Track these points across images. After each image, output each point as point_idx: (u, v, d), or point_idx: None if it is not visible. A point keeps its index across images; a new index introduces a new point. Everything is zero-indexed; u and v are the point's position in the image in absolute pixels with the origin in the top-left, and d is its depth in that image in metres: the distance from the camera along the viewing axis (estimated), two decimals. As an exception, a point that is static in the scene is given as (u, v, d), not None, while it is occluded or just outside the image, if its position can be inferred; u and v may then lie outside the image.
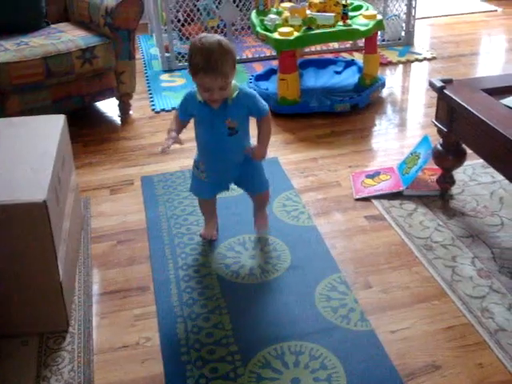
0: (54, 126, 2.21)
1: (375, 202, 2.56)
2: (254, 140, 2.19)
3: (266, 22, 3.34)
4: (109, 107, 3.64)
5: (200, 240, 2.38)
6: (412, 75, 4.02)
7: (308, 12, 3.25)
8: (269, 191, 2.34)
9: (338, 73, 3.78)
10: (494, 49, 4.46)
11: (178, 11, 4.29)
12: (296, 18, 3.20)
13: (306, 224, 2.45)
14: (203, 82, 1.92)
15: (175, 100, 3.63)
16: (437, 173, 2.58)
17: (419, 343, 1.86)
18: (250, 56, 4.23)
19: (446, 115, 2.32)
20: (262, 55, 4.19)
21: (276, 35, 3.20)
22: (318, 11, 3.26)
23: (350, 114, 3.35)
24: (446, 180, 2.52)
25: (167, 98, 3.71)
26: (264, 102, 2.12)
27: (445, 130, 2.34)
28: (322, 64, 3.87)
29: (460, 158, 2.43)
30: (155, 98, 3.74)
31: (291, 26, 3.23)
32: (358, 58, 4.00)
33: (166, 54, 4.10)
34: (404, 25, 4.32)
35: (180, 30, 4.36)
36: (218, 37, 1.94)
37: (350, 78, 3.68)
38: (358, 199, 2.59)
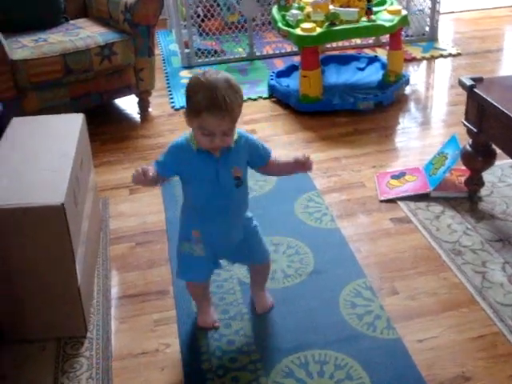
0: (72, 125, 2.17)
1: (401, 203, 2.48)
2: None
3: (287, 18, 3.26)
4: (128, 105, 3.59)
5: (220, 242, 2.32)
6: (437, 72, 3.92)
7: (331, 7, 3.17)
8: (270, 263, 2.00)
9: (361, 69, 3.70)
10: (520, 44, 4.35)
11: (197, 6, 4.23)
12: (318, 13, 3.12)
13: (330, 226, 2.39)
14: (206, 123, 1.55)
15: (195, 97, 3.57)
16: (465, 174, 2.49)
17: (448, 353, 1.79)
18: (270, 52, 4.16)
19: (475, 115, 2.24)
20: (283, 51, 4.12)
21: (298, 31, 3.13)
22: (342, 6, 3.18)
23: (373, 112, 3.27)
24: (475, 182, 2.43)
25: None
26: (265, 145, 1.78)
27: (475, 130, 2.26)
28: (344, 60, 3.79)
29: (490, 159, 2.35)
30: (174, 95, 3.69)
31: (314, 21, 3.15)
32: (381, 53, 3.91)
33: (186, 50, 4.05)
34: (428, 20, 4.21)
35: (200, 26, 4.31)
36: (224, 73, 1.61)
37: (373, 74, 3.59)
38: (383, 201, 2.52)
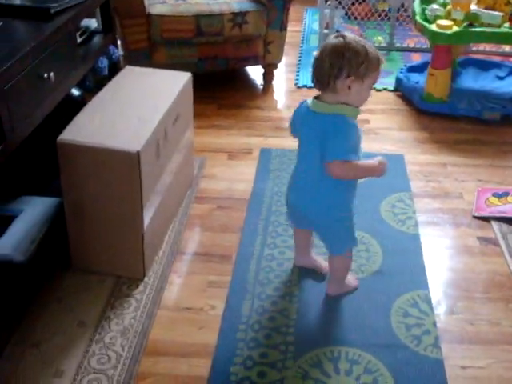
0: (177, 82, 2.26)
1: (494, 224, 2.32)
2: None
3: (427, 12, 3.12)
4: (254, 75, 3.65)
5: (295, 223, 2.32)
6: None
7: (473, 7, 2.98)
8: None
9: (501, 78, 3.45)
10: None
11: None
12: (458, 11, 2.95)
13: (411, 231, 2.29)
14: (377, 77, 1.68)
15: (320, 78, 3.54)
16: None
17: (489, 387, 1.68)
18: (411, 45, 4.00)
19: None
20: (424, 46, 3.94)
21: (433, 27, 2.98)
22: (486, 8, 2.98)
23: (500, 125, 3.05)
24: None
25: (313, 74, 3.64)
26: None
27: None
28: (484, 66, 3.55)
29: None
30: (301, 72, 3.69)
31: (453, 19, 2.99)
32: (530, 65, 3.62)
33: (325, 31, 4.02)
34: None
35: (349, 9, 4.25)
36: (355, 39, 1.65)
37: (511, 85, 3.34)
38: (476, 217, 2.36)
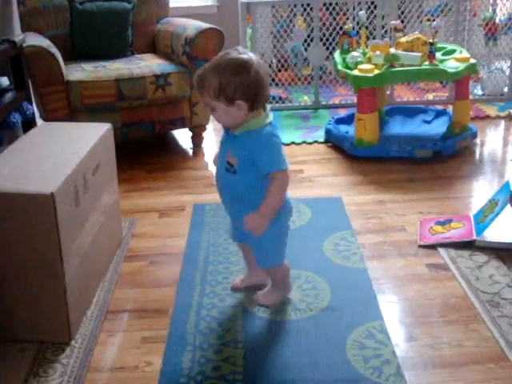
0: (95, 131, 2.14)
1: (441, 250, 2.23)
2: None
3: (347, 60, 3.16)
4: (183, 138, 3.58)
5: (236, 270, 2.17)
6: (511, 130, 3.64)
7: (392, 50, 3.05)
8: (278, 270, 1.91)
9: (428, 122, 3.50)
10: None
11: (272, 60, 4.22)
12: (378, 55, 3.00)
13: (357, 266, 2.17)
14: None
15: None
16: (519, 224, 2.22)
17: (464, 411, 1.52)
18: (336, 102, 4.05)
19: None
20: (349, 101, 4.00)
21: (355, 72, 3.02)
22: (405, 51, 3.05)
23: (432, 162, 3.04)
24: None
25: (243, 135, 3.60)
26: (281, 159, 1.69)
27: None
28: (410, 112, 3.61)
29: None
30: (231, 134, 3.64)
31: (374, 64, 3.03)
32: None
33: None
34: (507, 80, 3.97)
35: (275, 76, 4.28)
36: (235, 54, 1.63)
37: (439, 127, 3.39)
38: (422, 246, 2.27)
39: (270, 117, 1.71)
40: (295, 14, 3.93)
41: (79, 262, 1.86)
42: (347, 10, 3.96)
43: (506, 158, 3.22)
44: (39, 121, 2.94)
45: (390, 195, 2.73)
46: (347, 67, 3.16)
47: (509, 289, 1.97)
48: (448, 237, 2.28)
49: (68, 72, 3.03)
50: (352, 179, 2.93)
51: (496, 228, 2.25)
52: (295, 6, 3.91)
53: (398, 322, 1.86)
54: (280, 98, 4.06)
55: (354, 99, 3.92)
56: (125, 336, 1.85)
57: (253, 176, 1.71)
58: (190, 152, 3.44)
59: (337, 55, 3.35)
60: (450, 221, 2.39)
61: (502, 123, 3.67)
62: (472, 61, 3.10)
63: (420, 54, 3.00)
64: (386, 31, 3.84)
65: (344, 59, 3.24)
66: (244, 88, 1.61)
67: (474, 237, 2.23)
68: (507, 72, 3.96)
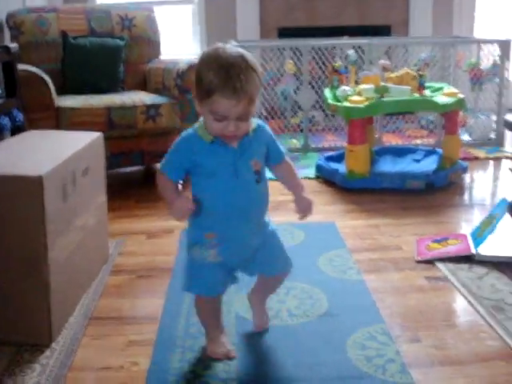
0: (85, 137, 2.09)
1: (439, 264, 2.16)
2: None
3: (338, 94, 3.19)
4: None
5: (227, 281, 2.07)
6: (502, 168, 3.63)
7: (382, 84, 3.08)
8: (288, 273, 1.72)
9: (417, 161, 3.50)
10: None
11: (263, 106, 4.25)
12: (368, 88, 3.03)
13: (354, 278, 2.09)
14: (218, 106, 1.38)
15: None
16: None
17: (475, 407, 1.41)
18: (326, 146, 4.05)
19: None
20: (339, 145, 4.00)
21: (346, 103, 3.03)
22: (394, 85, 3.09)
23: (423, 194, 3.01)
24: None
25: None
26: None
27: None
28: (400, 152, 3.61)
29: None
30: (220, 171, 3.60)
31: (365, 98, 3.06)
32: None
33: (240, 137, 4.02)
34: (494, 125, 4.02)
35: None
36: (239, 48, 1.44)
37: (429, 165, 3.37)
38: (419, 261, 2.20)
39: None
40: (284, 58, 3.99)
41: (64, 259, 1.77)
42: (334, 56, 4.03)
43: (497, 191, 3.20)
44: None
45: (384, 220, 2.67)
46: (338, 101, 3.18)
47: (513, 295, 1.89)
48: (445, 252, 2.21)
49: (59, 99, 3.01)
50: (344, 208, 2.88)
51: (494, 242, 2.20)
52: (284, 49, 3.98)
53: (400, 326, 1.77)
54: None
55: (344, 143, 3.94)
56: (109, 339, 1.74)
57: (265, 173, 1.57)
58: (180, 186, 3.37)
59: (327, 91, 3.39)
60: (446, 239, 2.33)
61: (491, 163, 3.68)
62: (460, 95, 3.14)
63: (409, 88, 3.04)
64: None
65: (334, 94, 3.27)
66: (261, 80, 1.45)
67: (473, 251, 2.17)
68: (494, 118, 4.02)
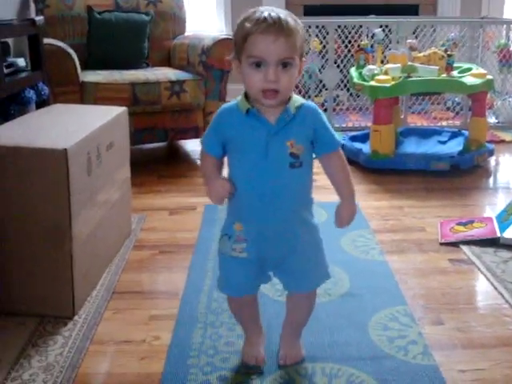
0: (110, 111, 2.08)
1: (464, 247, 2.14)
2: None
3: (364, 73, 3.15)
4: (194, 150, 3.52)
5: (249, 259, 2.06)
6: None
7: (410, 63, 3.03)
8: (315, 295, 1.50)
9: (443, 142, 3.45)
10: None
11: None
12: (395, 67, 2.98)
13: (376, 258, 2.07)
14: (254, 48, 1.23)
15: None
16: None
17: (497, 388, 1.40)
18: (350, 125, 4.02)
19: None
20: (363, 125, 3.96)
21: (372, 82, 2.99)
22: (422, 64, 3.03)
23: (448, 175, 2.97)
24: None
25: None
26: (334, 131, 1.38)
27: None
28: (425, 134, 3.56)
29: None
30: (243, 149, 3.59)
31: (391, 77, 3.01)
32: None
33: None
34: (523, 108, 3.94)
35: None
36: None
37: (454, 147, 3.32)
38: (443, 243, 2.18)
39: None
40: (310, 35, 3.94)
41: (88, 233, 1.78)
42: (360, 35, 3.97)
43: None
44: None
45: (408, 201, 2.65)
46: (364, 80, 3.13)
47: (539, 280, 1.86)
48: (470, 235, 2.18)
49: (83, 75, 3.01)
50: (368, 188, 2.86)
51: (521, 226, 2.16)
52: (309, 27, 3.93)
53: (423, 307, 1.75)
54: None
55: (368, 123, 3.90)
56: (132, 313, 1.75)
57: (310, 163, 1.36)
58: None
59: (353, 70, 3.34)
60: (471, 221, 2.30)
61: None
62: (489, 77, 3.08)
63: (437, 67, 2.98)
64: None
65: (360, 73, 3.22)
66: (304, 39, 1.30)
67: (498, 235, 2.14)
68: (522, 100, 3.94)
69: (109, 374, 1.47)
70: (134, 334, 1.63)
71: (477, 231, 2.21)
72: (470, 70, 3.23)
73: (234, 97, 1.38)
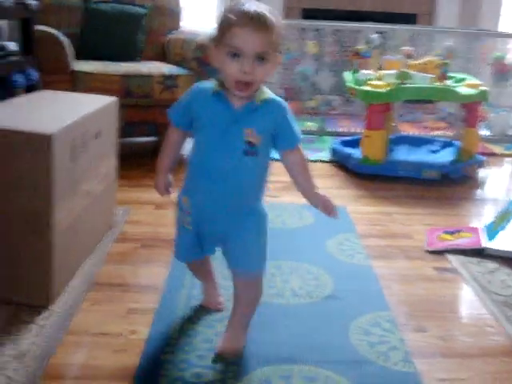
0: (99, 100, 2.05)
1: (450, 256, 2.12)
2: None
3: (358, 77, 3.13)
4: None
5: (232, 257, 2.03)
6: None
7: (404, 70, 3.02)
8: (259, 281, 1.49)
9: (434, 152, 3.44)
10: None
11: (280, 88, 4.20)
12: (389, 73, 2.96)
13: (362, 263, 2.05)
14: (234, 38, 1.28)
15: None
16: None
17: (476, 401, 1.37)
18: (342, 130, 3.99)
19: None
20: (356, 131, 3.94)
21: (366, 87, 2.97)
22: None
23: (438, 184, 2.96)
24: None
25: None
26: (298, 128, 1.43)
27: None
28: (417, 142, 3.54)
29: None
30: (233, 148, 3.56)
31: (386, 83, 3.00)
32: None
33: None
34: (515, 122, 3.94)
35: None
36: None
37: (445, 157, 3.31)
38: (429, 252, 2.16)
39: None
40: (303, 39, 3.92)
41: (69, 222, 1.74)
42: (356, 40, 3.95)
43: (513, 188, 3.15)
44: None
45: (396, 208, 2.63)
46: (358, 85, 3.11)
47: (523, 292, 1.85)
48: (456, 244, 2.17)
49: (75, 64, 2.98)
50: (356, 193, 2.84)
51: (507, 238, 2.15)
52: (303, 29, 3.91)
53: (406, 314, 1.73)
54: (285, 122, 4.00)
55: (359, 130, 3.88)
56: (109, 306, 1.71)
57: (268, 156, 1.43)
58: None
59: (347, 74, 3.32)
60: (459, 231, 2.28)
61: (508, 160, 3.61)
62: (483, 87, 3.07)
63: (431, 76, 2.97)
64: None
65: (354, 78, 3.21)
66: (281, 38, 1.36)
67: (484, 245, 2.12)
68: (514, 114, 3.95)
69: (82, 365, 1.43)
70: (111, 326, 1.60)
71: (463, 241, 2.19)
72: (464, 80, 3.22)
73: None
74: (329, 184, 2.95)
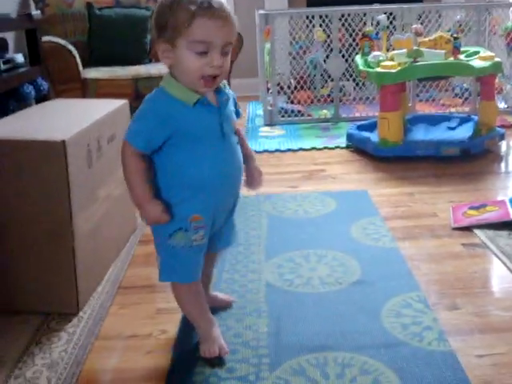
0: (111, 104, 2.04)
1: (477, 231, 2.08)
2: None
3: (369, 60, 3.09)
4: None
5: (255, 250, 2.02)
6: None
7: (415, 47, 2.97)
8: None
9: (452, 128, 3.38)
10: None
11: (291, 78, 4.18)
12: (400, 53, 2.92)
13: (388, 245, 2.02)
14: (201, 32, 1.20)
15: (269, 144, 3.39)
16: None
17: (517, 373, 1.34)
18: (357, 115, 3.95)
19: None
20: (371, 115, 3.90)
21: (378, 69, 2.93)
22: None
23: (459, 161, 2.91)
24: None
25: (262, 143, 3.49)
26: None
27: None
28: (434, 120, 3.49)
29: None
30: (250, 142, 3.53)
31: (397, 63, 2.95)
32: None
33: (269, 108, 3.95)
34: (533, 91, 3.87)
35: (290, 95, 4.22)
36: None
37: (464, 132, 3.26)
38: (456, 228, 2.12)
39: None
40: (314, 26, 3.89)
41: (90, 227, 1.74)
42: (365, 22, 3.90)
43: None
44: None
45: (418, 188, 2.58)
46: (369, 67, 3.07)
47: (556, 262, 1.80)
48: (483, 218, 2.12)
49: (85, 71, 2.98)
50: (377, 176, 2.80)
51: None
52: (313, 17, 3.87)
53: (437, 293, 1.70)
54: (299, 112, 3.98)
55: (375, 113, 3.83)
56: (137, 308, 1.70)
57: None
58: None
59: (358, 57, 3.28)
60: (484, 205, 2.24)
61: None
62: (497, 59, 3.01)
63: (444, 51, 2.92)
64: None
65: (365, 60, 3.17)
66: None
67: (513, 217, 2.08)
68: (532, 83, 3.86)
69: (115, 369, 1.43)
70: (141, 328, 1.59)
71: (490, 215, 2.15)
72: (477, 53, 3.15)
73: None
74: (348, 169, 2.91)
